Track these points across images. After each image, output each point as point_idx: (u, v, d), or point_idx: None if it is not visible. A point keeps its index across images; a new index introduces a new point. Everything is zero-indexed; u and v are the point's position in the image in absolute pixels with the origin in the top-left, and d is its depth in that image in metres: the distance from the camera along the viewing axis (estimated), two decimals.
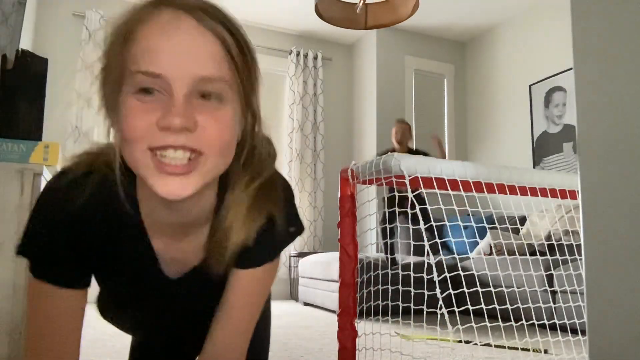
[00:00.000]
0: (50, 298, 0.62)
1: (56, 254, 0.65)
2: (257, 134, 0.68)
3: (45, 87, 1.89)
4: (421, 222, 1.12)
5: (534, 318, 1.87)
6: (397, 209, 1.60)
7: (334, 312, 3.63)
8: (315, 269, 3.90)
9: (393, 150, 3.50)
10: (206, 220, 0.69)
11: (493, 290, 1.52)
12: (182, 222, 0.68)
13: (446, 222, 1.40)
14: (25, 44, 3.68)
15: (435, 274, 1.18)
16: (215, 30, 0.56)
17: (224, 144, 0.59)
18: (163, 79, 0.54)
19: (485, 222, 2.14)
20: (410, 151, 3.65)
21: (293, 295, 4.55)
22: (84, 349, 2.17)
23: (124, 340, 2.44)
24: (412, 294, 1.45)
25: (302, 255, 4.45)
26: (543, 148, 4.11)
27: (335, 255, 3.65)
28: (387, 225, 3.09)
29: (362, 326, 1.52)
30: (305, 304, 4.16)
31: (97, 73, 0.61)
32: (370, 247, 4.40)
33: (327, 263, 3.68)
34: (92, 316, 2.06)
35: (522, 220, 3.59)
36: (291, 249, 4.66)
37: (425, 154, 3.25)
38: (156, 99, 0.55)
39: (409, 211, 1.33)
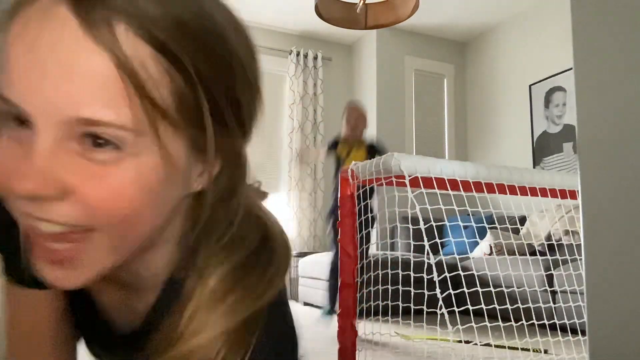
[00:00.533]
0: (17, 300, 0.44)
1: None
2: (235, 192, 0.46)
3: None
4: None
5: (534, 318, 1.87)
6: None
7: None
8: (315, 269, 3.90)
9: (345, 140, 3.06)
10: (156, 285, 0.47)
11: (493, 290, 1.52)
12: (120, 285, 0.48)
13: (446, 222, 1.40)
14: None
15: (435, 274, 1.18)
16: (113, 40, 0.32)
17: (120, 217, 0.35)
18: (17, 108, 0.34)
19: (485, 222, 2.14)
20: (362, 144, 3.14)
21: (293, 295, 4.54)
22: (84, 348, 2.18)
23: None
24: (412, 294, 1.44)
25: (302, 255, 4.45)
26: (543, 148, 4.11)
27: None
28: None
29: (362, 326, 1.52)
30: (305, 304, 4.15)
31: None
32: (370, 247, 4.40)
33: (327, 263, 3.67)
34: None
35: (522, 220, 3.59)
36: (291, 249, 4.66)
37: (380, 152, 2.87)
38: (26, 133, 0.34)
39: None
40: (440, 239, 1.46)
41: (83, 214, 0.35)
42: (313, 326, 3.06)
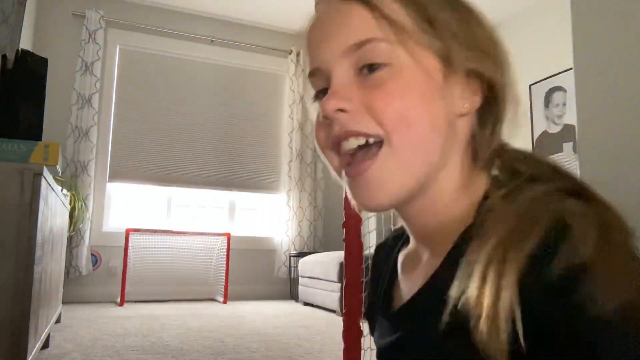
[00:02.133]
0: None
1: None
2: (501, 104, 0.47)
3: (45, 87, 1.87)
4: None
5: None
6: None
7: (334, 312, 3.63)
8: (315, 269, 3.90)
9: None
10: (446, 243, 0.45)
11: None
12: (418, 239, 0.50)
13: None
14: (25, 44, 3.67)
15: None
16: None
17: (404, 123, 0.43)
18: (320, 71, 0.48)
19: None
20: None
21: (293, 295, 4.54)
22: (85, 348, 2.16)
23: (124, 340, 2.44)
24: None
25: (302, 255, 4.44)
26: (543, 148, 4.11)
27: (335, 255, 3.65)
28: None
29: (367, 326, 1.52)
30: (305, 303, 4.15)
31: None
32: (369, 250, 4.40)
33: (327, 263, 3.67)
34: (91, 315, 2.05)
35: None
36: (291, 248, 4.66)
37: None
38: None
39: None
40: None
41: (377, 124, 0.43)
42: (316, 326, 3.06)
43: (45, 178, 1.56)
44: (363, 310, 1.46)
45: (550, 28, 4.10)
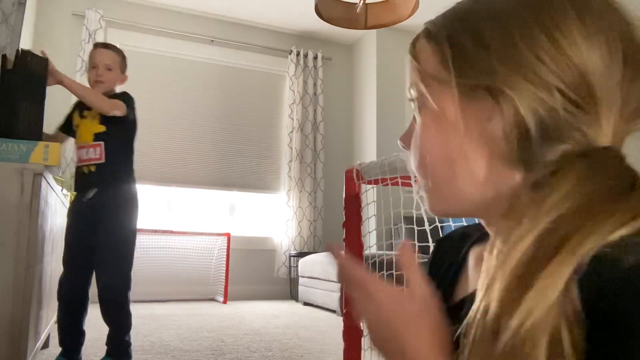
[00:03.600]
0: None
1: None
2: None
3: (45, 87, 1.88)
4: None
5: None
6: None
7: (333, 312, 3.63)
8: (315, 269, 3.90)
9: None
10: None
11: None
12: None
13: (451, 223, 1.40)
14: (25, 44, 3.67)
15: None
16: (417, 44, 0.51)
17: (429, 157, 0.48)
18: None
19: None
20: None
21: (293, 295, 4.54)
22: (85, 348, 2.16)
23: None
24: None
25: (302, 255, 4.44)
26: None
27: None
28: None
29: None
30: (305, 303, 4.15)
31: None
32: (369, 250, 4.40)
33: (327, 263, 3.67)
34: (91, 315, 2.05)
35: None
36: (291, 248, 4.66)
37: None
38: None
39: None
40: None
41: (415, 159, 0.50)
42: (316, 326, 3.06)
43: (45, 178, 1.56)
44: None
45: None
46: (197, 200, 4.67)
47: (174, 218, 4.54)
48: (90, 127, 2.01)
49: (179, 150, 4.52)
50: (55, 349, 2.23)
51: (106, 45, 2.13)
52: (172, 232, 4.20)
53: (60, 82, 1.92)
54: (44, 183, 1.54)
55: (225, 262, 4.23)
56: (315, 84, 4.99)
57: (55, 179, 2.23)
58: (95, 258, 1.97)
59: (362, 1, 2.42)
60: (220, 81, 4.77)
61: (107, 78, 2.04)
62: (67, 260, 1.98)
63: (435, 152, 0.48)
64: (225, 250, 4.27)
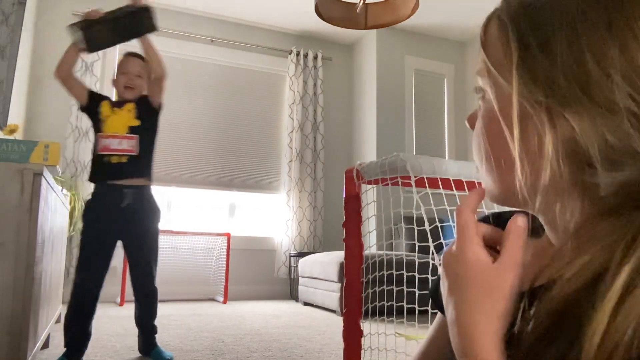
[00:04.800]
0: None
1: None
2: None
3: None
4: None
5: None
6: None
7: (334, 311, 3.63)
8: (315, 268, 3.90)
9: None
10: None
11: None
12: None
13: (451, 223, 1.40)
14: (25, 44, 3.67)
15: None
16: (483, 36, 0.48)
17: (477, 149, 0.48)
18: None
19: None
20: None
21: (293, 295, 4.54)
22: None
23: (124, 340, 2.44)
24: (417, 295, 1.44)
25: (302, 255, 4.44)
26: None
27: (335, 255, 3.65)
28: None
29: (367, 326, 1.52)
30: (305, 303, 4.15)
31: None
32: (369, 250, 4.40)
33: (327, 263, 3.67)
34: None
35: None
36: (291, 248, 4.66)
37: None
38: None
39: None
40: (442, 239, 1.46)
41: (474, 143, 0.49)
42: (316, 326, 3.06)
43: (45, 178, 1.56)
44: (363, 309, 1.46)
45: None
46: (197, 200, 4.67)
47: (174, 218, 4.54)
48: (126, 119, 2.13)
49: (179, 150, 4.52)
50: (56, 349, 2.23)
51: (138, 55, 2.28)
52: (172, 232, 4.20)
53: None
54: (44, 183, 1.54)
55: (225, 262, 4.23)
56: (315, 84, 4.99)
57: (55, 179, 2.23)
58: (133, 256, 2.14)
59: (362, 1, 2.42)
60: (220, 81, 4.77)
61: (137, 84, 2.22)
62: (89, 257, 2.04)
63: (489, 150, 0.46)
64: (225, 250, 4.27)
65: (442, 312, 0.58)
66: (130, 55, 2.30)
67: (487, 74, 0.45)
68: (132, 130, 2.11)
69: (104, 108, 2.13)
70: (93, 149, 2.11)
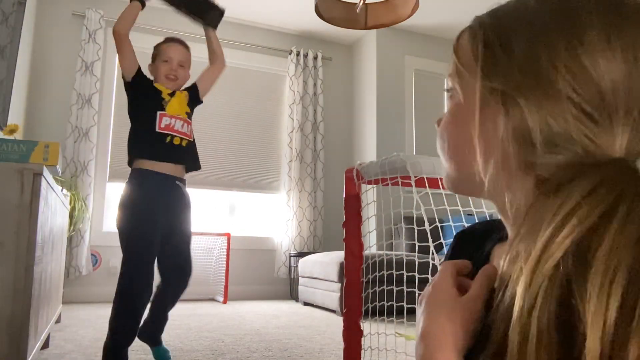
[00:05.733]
0: None
1: None
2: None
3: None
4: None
5: None
6: None
7: (334, 311, 3.63)
8: (315, 268, 3.90)
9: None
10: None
11: None
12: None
13: (451, 223, 1.40)
14: (25, 44, 3.67)
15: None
16: (458, 42, 0.55)
17: (446, 133, 0.54)
18: None
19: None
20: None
21: (293, 295, 4.54)
22: (85, 348, 2.15)
23: None
24: (417, 295, 1.44)
25: (302, 255, 4.44)
26: None
27: (335, 255, 3.65)
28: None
29: (367, 326, 1.52)
30: (305, 303, 4.15)
31: None
32: (369, 250, 4.40)
33: (327, 263, 3.67)
34: (92, 315, 2.05)
35: None
36: (291, 248, 4.66)
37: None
38: None
39: None
40: (442, 239, 1.46)
41: (439, 140, 0.54)
42: (316, 326, 3.06)
43: (45, 178, 1.56)
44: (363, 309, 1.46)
45: None
46: (197, 200, 4.67)
47: None
48: (184, 104, 2.04)
49: None
50: (56, 349, 2.23)
51: (181, 42, 2.13)
52: None
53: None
54: (44, 183, 1.54)
55: (225, 262, 4.23)
56: (315, 84, 4.99)
57: (55, 179, 2.23)
58: (181, 244, 1.98)
59: (362, 1, 2.42)
60: (220, 81, 4.76)
61: (180, 75, 2.07)
62: (150, 256, 1.85)
63: (452, 139, 0.53)
64: (225, 250, 4.27)
65: None
66: (172, 41, 2.11)
67: (456, 74, 0.52)
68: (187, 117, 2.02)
69: (164, 90, 1.99)
70: (145, 127, 1.91)
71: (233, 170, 4.71)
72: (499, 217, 0.55)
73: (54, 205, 1.95)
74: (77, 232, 3.92)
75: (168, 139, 1.92)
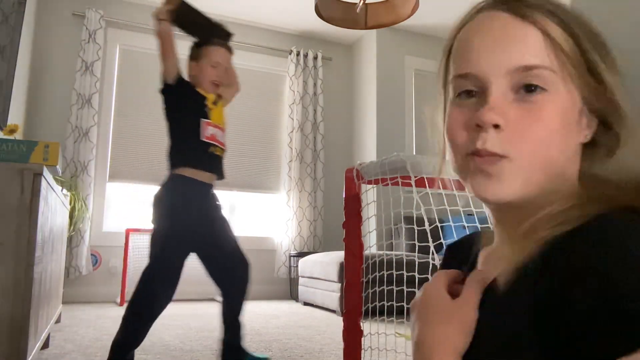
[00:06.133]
0: None
1: None
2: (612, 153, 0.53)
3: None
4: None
5: None
6: None
7: (333, 311, 3.63)
8: (315, 269, 3.90)
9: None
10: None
11: None
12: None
13: (451, 223, 1.40)
14: (25, 44, 3.67)
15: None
16: (535, 20, 0.50)
17: (535, 144, 0.49)
18: (475, 77, 0.51)
19: (489, 221, 2.13)
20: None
21: (293, 295, 4.54)
22: (85, 348, 2.15)
23: None
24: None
25: (302, 255, 4.44)
26: None
27: (335, 255, 3.65)
28: None
29: (367, 326, 1.52)
30: (305, 303, 4.15)
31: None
32: (369, 250, 4.40)
33: (327, 263, 3.67)
34: (92, 315, 2.04)
35: None
36: (291, 248, 4.66)
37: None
38: (474, 100, 0.52)
39: None
40: (442, 239, 1.46)
41: (520, 142, 0.48)
42: (316, 326, 3.06)
43: (45, 178, 1.56)
44: (363, 310, 1.46)
45: None
46: None
47: None
48: (222, 114, 2.07)
49: None
50: (56, 349, 2.23)
51: (227, 46, 2.06)
52: None
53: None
54: (44, 183, 1.54)
55: None
56: (315, 84, 4.99)
57: (55, 179, 2.23)
58: (226, 248, 1.94)
59: (362, 1, 2.42)
60: None
61: (224, 81, 2.05)
62: (178, 261, 1.81)
63: (563, 146, 0.50)
64: None
65: None
66: (219, 44, 2.03)
67: (558, 62, 0.51)
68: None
69: (209, 98, 1.97)
70: (190, 135, 1.90)
71: (233, 170, 4.71)
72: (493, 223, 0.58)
73: (54, 205, 1.95)
74: (77, 232, 3.92)
75: (211, 149, 1.95)
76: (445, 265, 0.68)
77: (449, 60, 0.59)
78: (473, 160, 0.50)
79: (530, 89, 0.49)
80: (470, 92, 0.52)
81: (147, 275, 1.76)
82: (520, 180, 0.49)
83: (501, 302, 0.46)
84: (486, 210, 0.58)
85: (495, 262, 0.53)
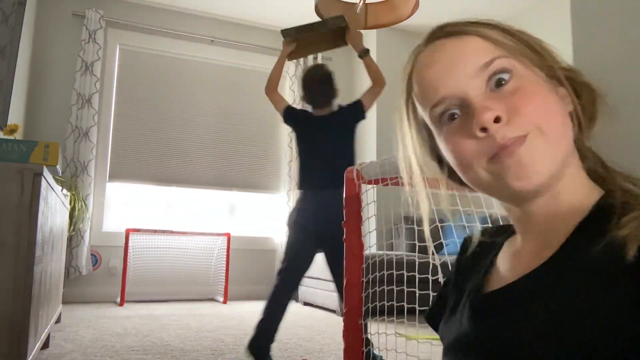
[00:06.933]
0: None
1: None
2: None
3: None
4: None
5: None
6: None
7: (333, 312, 3.63)
8: (315, 269, 3.89)
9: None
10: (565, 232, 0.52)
11: None
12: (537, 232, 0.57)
13: (451, 223, 1.40)
14: (25, 44, 3.67)
15: (440, 274, 1.17)
16: (470, 31, 0.57)
17: (540, 111, 0.52)
18: (449, 98, 0.54)
19: (489, 221, 2.13)
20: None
21: (293, 295, 4.54)
22: (85, 348, 2.15)
23: (124, 340, 2.44)
24: (417, 294, 1.44)
25: None
26: None
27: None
28: None
29: (367, 326, 1.52)
30: (305, 303, 4.15)
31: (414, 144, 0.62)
32: (369, 250, 4.40)
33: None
34: (91, 315, 2.04)
35: None
36: None
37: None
38: (461, 118, 0.54)
39: None
40: (442, 239, 1.46)
41: (528, 122, 0.50)
42: (316, 326, 3.06)
43: (45, 178, 1.56)
44: (364, 310, 1.46)
45: (549, 27, 4.10)
46: (197, 200, 4.66)
47: (174, 218, 4.54)
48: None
49: (179, 150, 4.52)
50: (56, 349, 2.23)
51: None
52: (172, 232, 4.20)
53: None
54: (44, 183, 1.54)
55: (225, 262, 4.23)
56: None
57: (55, 179, 2.23)
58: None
59: (362, 1, 2.42)
60: (220, 81, 4.77)
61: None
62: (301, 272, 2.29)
63: (558, 110, 0.53)
64: (225, 250, 4.27)
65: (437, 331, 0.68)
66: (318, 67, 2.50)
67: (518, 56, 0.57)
68: None
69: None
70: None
71: (233, 170, 4.71)
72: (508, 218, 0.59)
73: (54, 205, 1.95)
74: (77, 232, 3.92)
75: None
76: (460, 256, 0.70)
77: (408, 100, 0.63)
78: (500, 157, 0.51)
79: (501, 83, 0.53)
80: (453, 116, 0.54)
81: (277, 279, 2.31)
82: (550, 149, 0.50)
83: (591, 290, 0.44)
84: (510, 212, 0.58)
85: (528, 262, 0.53)
